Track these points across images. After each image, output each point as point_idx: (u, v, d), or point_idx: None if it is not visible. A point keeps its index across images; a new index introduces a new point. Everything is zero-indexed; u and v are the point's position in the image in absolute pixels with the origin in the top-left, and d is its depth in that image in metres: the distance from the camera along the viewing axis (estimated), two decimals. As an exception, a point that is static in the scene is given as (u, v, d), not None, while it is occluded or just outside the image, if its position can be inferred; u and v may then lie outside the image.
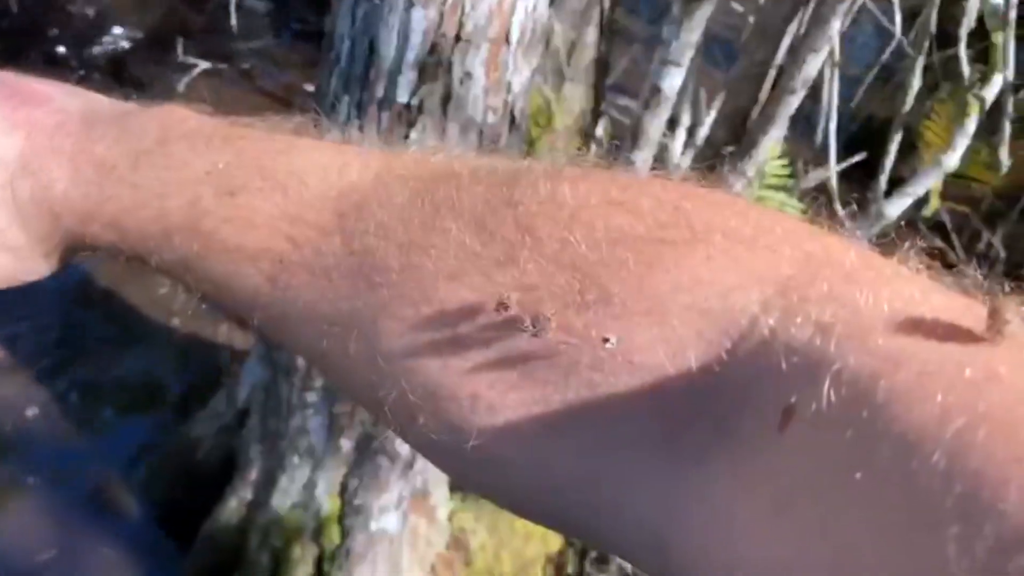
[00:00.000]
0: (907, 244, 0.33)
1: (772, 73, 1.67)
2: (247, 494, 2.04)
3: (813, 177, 2.65)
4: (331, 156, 0.41)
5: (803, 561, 0.26)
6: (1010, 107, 1.43)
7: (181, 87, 3.03)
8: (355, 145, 0.43)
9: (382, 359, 0.36)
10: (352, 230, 0.38)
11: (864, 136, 2.89)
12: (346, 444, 1.90)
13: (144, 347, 2.57)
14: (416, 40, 1.42)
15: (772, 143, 1.74)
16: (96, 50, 3.23)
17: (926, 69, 1.77)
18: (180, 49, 3.05)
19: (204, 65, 2.98)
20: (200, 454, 2.23)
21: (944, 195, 2.52)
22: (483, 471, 0.36)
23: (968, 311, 0.28)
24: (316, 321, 0.38)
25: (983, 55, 1.60)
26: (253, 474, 2.03)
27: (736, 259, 0.32)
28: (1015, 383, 0.24)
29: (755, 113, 1.72)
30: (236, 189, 0.40)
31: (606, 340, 0.32)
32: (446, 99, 1.47)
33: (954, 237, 2.78)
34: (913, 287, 0.30)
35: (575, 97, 2.82)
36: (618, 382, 0.32)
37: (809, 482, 0.27)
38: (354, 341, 0.37)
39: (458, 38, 1.42)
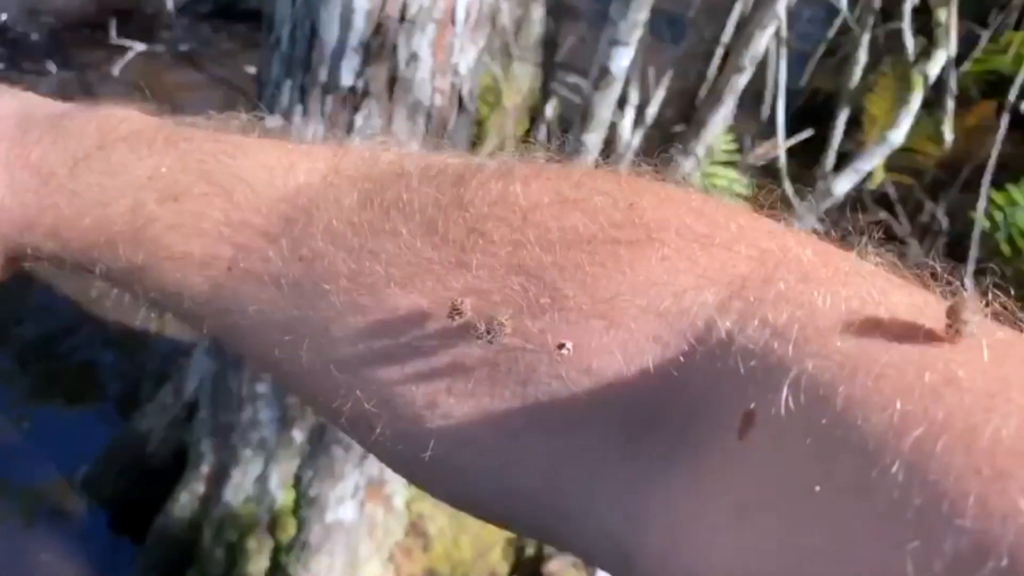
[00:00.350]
0: (864, 238, 0.32)
1: (720, 51, 1.67)
2: (199, 488, 2.01)
3: (760, 153, 2.66)
4: (277, 157, 0.40)
5: (765, 570, 0.25)
6: (953, 83, 1.45)
7: (116, 71, 2.93)
8: (302, 144, 0.42)
9: (335, 368, 0.35)
10: (300, 235, 0.37)
11: (808, 111, 2.91)
12: (299, 435, 1.88)
13: (86, 338, 2.50)
14: (359, 22, 1.38)
15: (721, 120, 1.74)
16: (25, 32, 3.11)
17: (871, 44, 1.78)
18: (114, 31, 2.95)
19: (140, 47, 2.88)
20: (149, 449, 2.19)
21: (887, 167, 2.56)
22: (442, 477, 0.36)
23: (928, 308, 0.27)
24: (267, 329, 0.37)
25: (924, 28, 1.62)
26: (205, 468, 2.00)
27: (691, 259, 0.31)
28: (974, 387, 0.24)
29: (704, 91, 1.72)
30: (180, 194, 0.39)
31: (561, 346, 0.31)
32: (392, 82, 1.44)
33: (898, 209, 2.83)
34: (871, 285, 0.29)
35: (523, 76, 2.80)
36: (576, 388, 0.31)
37: (771, 491, 0.26)
38: (306, 350, 0.36)
39: (403, 19, 1.38)
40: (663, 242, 0.32)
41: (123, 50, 2.90)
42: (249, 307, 0.38)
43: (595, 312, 0.31)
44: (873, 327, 0.27)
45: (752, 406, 0.28)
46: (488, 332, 0.32)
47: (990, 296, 0.28)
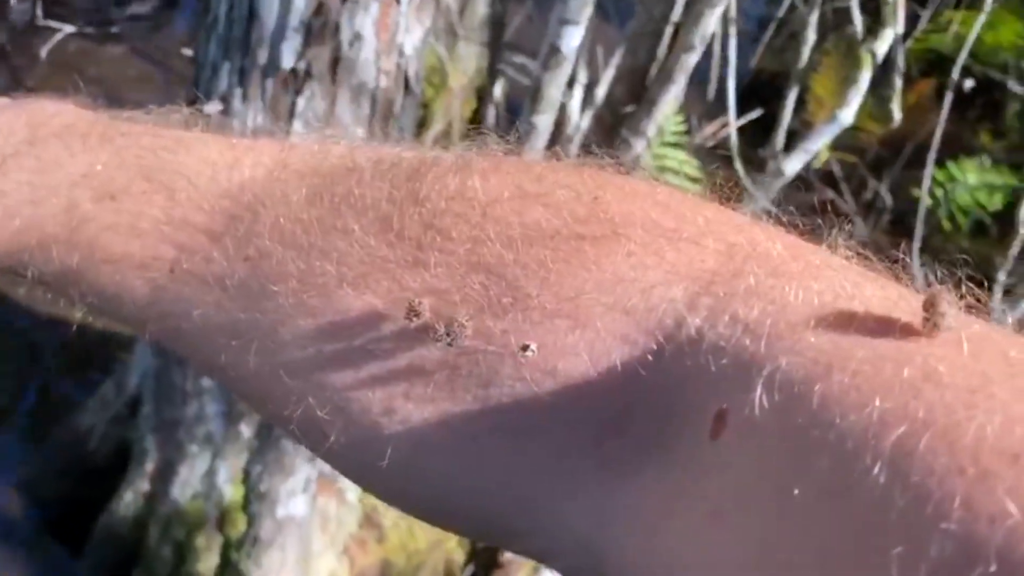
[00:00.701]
0: (835, 230, 0.31)
1: (669, 30, 1.65)
2: (144, 486, 1.97)
3: (709, 133, 2.67)
4: (220, 152, 0.39)
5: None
6: (901, 61, 1.45)
7: (43, 53, 2.81)
8: (247, 138, 0.40)
9: (285, 373, 0.34)
10: (246, 233, 0.35)
11: (754, 91, 2.92)
12: (246, 430, 1.84)
13: (21, 330, 2.41)
14: (299, 1, 1.33)
15: (671, 101, 1.73)
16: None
17: (818, 23, 1.78)
18: (40, 11, 2.82)
19: (68, 29, 2.77)
20: (90, 446, 2.13)
21: (832, 146, 2.58)
22: (400, 485, 0.34)
23: (902, 302, 0.27)
24: (212, 333, 0.36)
25: (867, 6, 1.62)
26: (149, 465, 1.96)
27: (658, 254, 0.30)
28: (955, 382, 0.23)
29: (654, 71, 1.70)
30: (117, 192, 0.37)
31: (525, 348, 0.30)
32: (335, 63, 1.39)
33: (843, 187, 2.86)
34: (843, 278, 0.28)
35: (469, 56, 2.76)
36: (541, 391, 0.30)
37: (746, 493, 0.26)
38: (254, 354, 0.34)
39: (345, -2, 1.34)
40: (629, 237, 0.31)
41: (51, 32, 2.79)
42: (193, 310, 0.36)
43: (560, 311, 0.30)
44: (847, 321, 0.26)
45: (724, 405, 0.27)
46: (448, 334, 0.30)
47: (964, 288, 0.27)
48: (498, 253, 0.31)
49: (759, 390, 0.25)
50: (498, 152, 0.36)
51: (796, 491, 0.23)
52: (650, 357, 0.29)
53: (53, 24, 2.79)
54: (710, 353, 0.28)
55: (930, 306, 0.25)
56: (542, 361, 0.30)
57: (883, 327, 0.26)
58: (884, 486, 0.22)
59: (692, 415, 0.28)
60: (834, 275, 0.29)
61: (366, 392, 0.32)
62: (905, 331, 0.25)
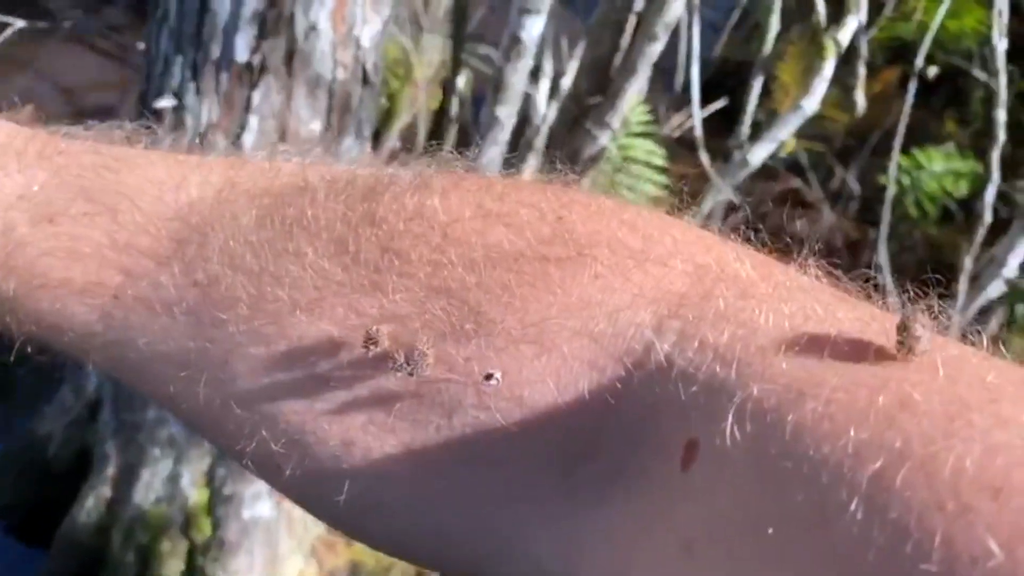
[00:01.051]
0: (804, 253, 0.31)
1: (633, 19, 1.63)
2: (106, 491, 1.93)
3: (676, 124, 2.66)
4: (166, 171, 0.37)
5: None
6: (864, 49, 1.45)
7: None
8: (193, 156, 0.38)
9: (237, 405, 0.33)
10: (194, 257, 0.34)
11: (719, 80, 2.92)
12: (210, 431, 1.81)
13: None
14: (252, -8, 1.30)
15: (635, 91, 1.71)
16: None
17: (781, 12, 1.77)
18: (-9, 6, 2.75)
19: (19, 23, 2.70)
20: (50, 452, 2.09)
21: (798, 134, 2.58)
22: (361, 519, 0.33)
23: (874, 323, 0.26)
24: (160, 362, 0.34)
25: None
26: (111, 470, 1.92)
27: (625, 276, 0.29)
28: (931, 410, 0.22)
29: (618, 61, 1.68)
30: (56, 214, 0.36)
31: (489, 377, 0.29)
32: (290, 56, 1.36)
33: (810, 175, 2.87)
34: (814, 300, 0.28)
35: (433, 47, 2.73)
36: (506, 420, 0.29)
37: (717, 525, 0.25)
38: (204, 385, 0.33)
39: (299, -11, 1.30)
40: (595, 258, 0.30)
41: (2, 26, 2.71)
42: (139, 338, 0.35)
43: (524, 337, 0.29)
44: (819, 346, 0.25)
45: (695, 435, 0.26)
46: (408, 363, 0.29)
47: (937, 306, 0.26)
48: (460, 276, 0.30)
49: (730, 419, 0.25)
50: (458, 169, 0.34)
51: (770, 528, 0.23)
52: (618, 384, 0.28)
53: (4, 18, 2.72)
54: (680, 380, 0.27)
55: (903, 329, 0.25)
56: (507, 389, 0.29)
57: (856, 351, 0.25)
58: (861, 522, 0.21)
59: (662, 444, 0.27)
60: (804, 296, 0.28)
61: (323, 424, 0.31)
62: (879, 355, 0.25)
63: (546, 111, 2.02)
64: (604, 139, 1.73)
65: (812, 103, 1.43)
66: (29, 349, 0.37)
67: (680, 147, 2.61)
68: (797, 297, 0.28)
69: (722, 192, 1.45)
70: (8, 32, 2.68)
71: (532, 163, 1.86)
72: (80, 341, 0.36)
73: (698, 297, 0.29)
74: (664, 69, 2.52)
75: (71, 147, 0.38)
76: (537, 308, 0.29)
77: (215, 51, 1.36)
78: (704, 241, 0.31)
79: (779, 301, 0.28)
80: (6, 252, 0.36)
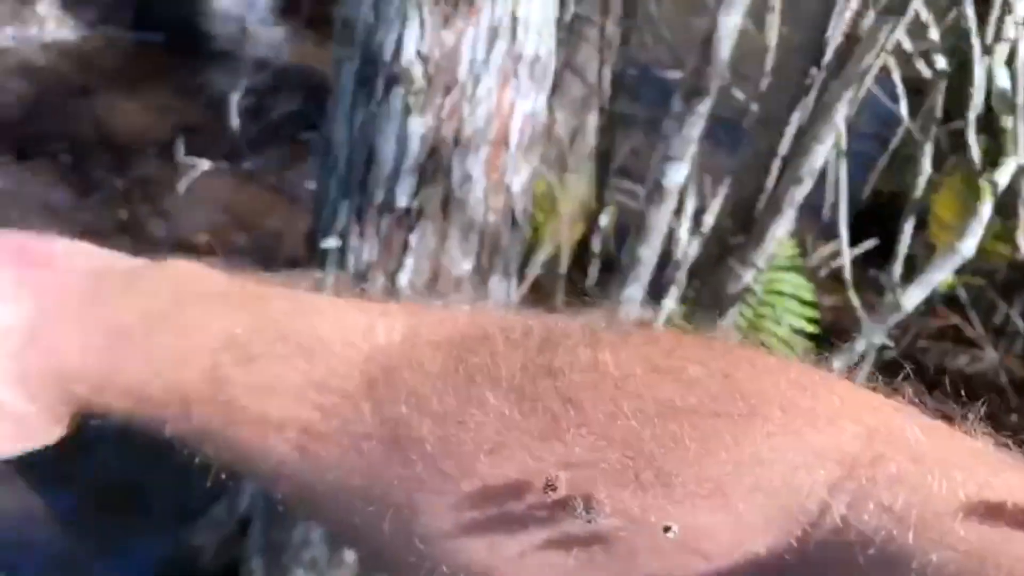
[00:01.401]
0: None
1: (777, 162, 1.64)
2: (251, 608, 1.97)
3: (823, 257, 2.60)
4: (355, 317, 0.40)
5: None
6: (1025, 191, 1.40)
7: (182, 188, 3.03)
8: (376, 302, 0.42)
9: (419, 539, 0.34)
10: (383, 398, 0.36)
11: (870, 211, 2.85)
12: (350, 555, 1.84)
13: (140, 451, 2.50)
14: (415, 146, 1.40)
15: (781, 231, 1.70)
16: (97, 150, 3.25)
17: (935, 144, 1.74)
18: (182, 148, 3.07)
19: (205, 165, 2.99)
20: (201, 564, 2.16)
21: (957, 270, 2.47)
22: None
23: None
24: (347, 495, 0.36)
25: (987, 128, 1.57)
26: (256, 586, 1.96)
27: (797, 434, 0.30)
28: None
29: (762, 202, 1.69)
30: (257, 355, 0.38)
31: (667, 528, 0.30)
32: (446, 202, 1.44)
33: (970, 312, 2.73)
34: (983, 466, 0.28)
35: (578, 184, 2.82)
36: (682, 573, 0.30)
37: None
38: (389, 519, 0.35)
39: (457, 142, 1.40)
40: (767, 417, 0.30)
41: (189, 168, 3.01)
42: (328, 471, 0.37)
43: (700, 491, 0.30)
44: (995, 514, 0.26)
45: None
46: (587, 511, 0.30)
47: None
48: (634, 428, 0.31)
49: None
50: (625, 324, 0.37)
51: None
52: (794, 543, 0.29)
53: (191, 160, 3.02)
54: (856, 543, 0.27)
55: None
56: (683, 542, 0.30)
57: None
58: None
59: None
60: (975, 462, 0.28)
61: (503, 563, 0.32)
62: None
63: (687, 247, 2.04)
64: (748, 277, 1.72)
65: (969, 246, 1.38)
66: (223, 476, 0.40)
67: (830, 280, 2.55)
68: (967, 463, 0.28)
69: (875, 336, 1.40)
70: (195, 174, 2.98)
71: (673, 298, 1.87)
72: (272, 471, 0.38)
73: (870, 459, 0.29)
74: (814, 205, 2.51)
75: (268, 293, 0.42)
76: (712, 463, 0.30)
77: (378, 197, 1.46)
78: (871, 402, 0.31)
79: (950, 467, 0.28)
80: (212, 388, 0.39)
